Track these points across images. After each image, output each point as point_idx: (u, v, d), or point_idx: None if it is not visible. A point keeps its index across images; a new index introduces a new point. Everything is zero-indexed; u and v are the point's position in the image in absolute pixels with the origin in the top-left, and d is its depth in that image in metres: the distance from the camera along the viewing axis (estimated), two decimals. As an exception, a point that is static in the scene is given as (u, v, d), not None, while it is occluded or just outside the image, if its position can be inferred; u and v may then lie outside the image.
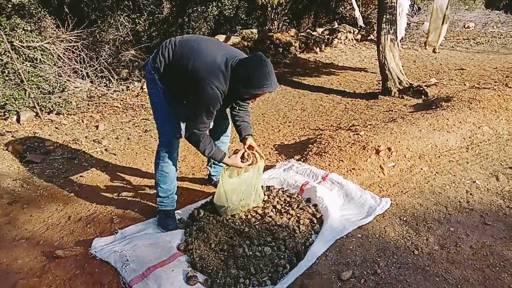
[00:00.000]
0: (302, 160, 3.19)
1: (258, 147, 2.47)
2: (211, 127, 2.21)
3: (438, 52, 8.75)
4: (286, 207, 2.50)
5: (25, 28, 4.61)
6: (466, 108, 3.79)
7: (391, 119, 4.04)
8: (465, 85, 5.79)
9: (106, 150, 3.97)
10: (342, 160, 3.00)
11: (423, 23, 11.36)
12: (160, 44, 2.25)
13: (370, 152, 3.04)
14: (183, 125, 2.24)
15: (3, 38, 4.20)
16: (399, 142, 3.18)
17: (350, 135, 3.39)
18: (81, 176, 3.40)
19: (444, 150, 3.21)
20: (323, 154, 3.16)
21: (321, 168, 2.95)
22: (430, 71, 7.34)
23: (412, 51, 9.52)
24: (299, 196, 2.60)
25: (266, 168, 3.21)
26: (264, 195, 2.61)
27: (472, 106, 3.83)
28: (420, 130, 3.36)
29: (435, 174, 2.90)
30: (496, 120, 3.63)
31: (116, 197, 2.98)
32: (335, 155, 3.09)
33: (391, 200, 2.59)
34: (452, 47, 10.10)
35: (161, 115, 2.33)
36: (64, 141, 4.14)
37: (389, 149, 3.07)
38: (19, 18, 4.55)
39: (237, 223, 2.30)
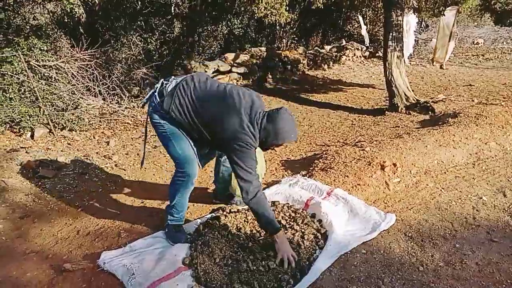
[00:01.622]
0: (308, 175, 3.22)
1: None
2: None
3: (447, 69, 8.78)
4: (291, 222, 2.52)
5: (42, 48, 4.79)
6: (473, 124, 3.79)
7: (397, 135, 4.05)
8: (473, 101, 5.79)
9: (116, 165, 4.06)
10: (347, 176, 3.02)
11: (431, 40, 11.43)
12: (172, 83, 2.24)
13: (375, 167, 3.05)
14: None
15: (20, 58, 4.37)
16: (404, 158, 3.19)
17: (355, 151, 3.41)
18: (91, 191, 3.47)
19: (450, 166, 3.21)
20: (328, 169, 3.18)
21: (327, 184, 2.97)
22: (438, 87, 7.36)
23: (420, 67, 9.56)
24: (304, 212, 2.62)
25: (272, 183, 3.24)
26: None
27: (479, 122, 3.82)
28: (426, 146, 3.37)
29: (441, 190, 2.90)
30: (503, 136, 3.62)
31: (124, 212, 3.03)
32: (340, 170, 3.11)
33: (396, 215, 2.59)
34: (461, 63, 10.11)
35: (180, 148, 2.28)
36: (75, 156, 4.23)
37: (394, 164, 3.08)
38: (36, 39, 4.73)
39: (241, 238, 2.33)
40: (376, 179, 2.96)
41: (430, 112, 4.92)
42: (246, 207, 2.78)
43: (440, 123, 4.17)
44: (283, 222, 2.52)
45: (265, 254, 2.20)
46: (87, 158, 4.20)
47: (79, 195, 3.40)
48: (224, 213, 2.67)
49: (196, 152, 2.35)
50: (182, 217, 2.55)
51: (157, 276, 2.04)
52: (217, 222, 2.51)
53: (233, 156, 2.11)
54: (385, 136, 4.18)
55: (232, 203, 2.87)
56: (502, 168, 3.15)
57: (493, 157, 3.33)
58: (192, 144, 2.32)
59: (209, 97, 2.16)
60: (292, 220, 2.54)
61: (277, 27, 9.24)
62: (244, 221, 2.54)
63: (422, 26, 12.18)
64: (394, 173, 3.02)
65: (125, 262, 2.16)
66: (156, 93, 2.25)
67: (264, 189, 3.12)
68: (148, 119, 2.34)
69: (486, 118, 3.85)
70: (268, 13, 4.42)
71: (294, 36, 9.93)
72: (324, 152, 3.64)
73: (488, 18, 14.39)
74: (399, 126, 4.57)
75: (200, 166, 2.41)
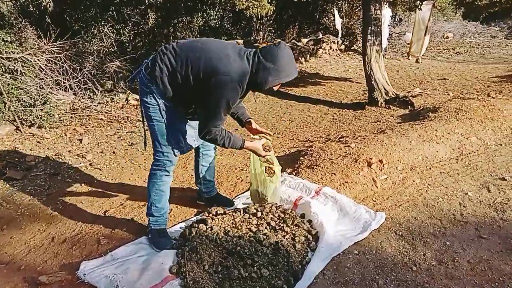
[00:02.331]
0: (294, 173, 3.15)
1: (266, 131, 2.47)
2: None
3: (421, 62, 8.93)
4: (280, 223, 2.44)
5: (5, 39, 4.46)
6: (454, 119, 3.83)
7: (380, 130, 4.05)
8: (448, 94, 5.90)
9: (90, 165, 3.84)
10: (334, 173, 2.97)
11: (405, 34, 11.62)
12: (151, 55, 2.17)
13: (362, 164, 3.02)
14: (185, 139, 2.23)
15: (-19, 50, 4.05)
16: (390, 154, 3.18)
17: (341, 147, 3.37)
18: (65, 193, 3.27)
19: (435, 161, 3.23)
20: (315, 167, 3.12)
21: (314, 182, 2.91)
22: (414, 81, 7.46)
23: (394, 61, 9.68)
24: (293, 212, 2.55)
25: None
26: (257, 211, 2.55)
27: (459, 116, 3.87)
28: (410, 142, 3.37)
29: (427, 186, 2.90)
30: (483, 130, 3.68)
31: (103, 215, 2.86)
32: (327, 168, 3.06)
33: (385, 214, 2.56)
34: (433, 57, 10.32)
35: (160, 132, 2.20)
36: (46, 156, 3.99)
37: (380, 161, 3.06)
38: (-2, 29, 4.40)
39: (231, 242, 2.22)
40: (364, 176, 2.93)
41: (409, 106, 4.96)
42: (233, 208, 2.69)
43: (421, 117, 4.20)
44: (273, 223, 2.43)
45: (256, 258, 2.11)
46: (59, 157, 3.96)
47: (52, 198, 3.19)
48: (210, 215, 2.55)
49: (182, 137, 2.26)
50: (165, 219, 2.43)
51: (142, 287, 1.91)
52: (204, 225, 2.39)
53: (209, 97, 1.98)
54: (368, 131, 4.17)
55: (218, 204, 2.76)
56: (484, 163, 3.20)
57: (475, 152, 3.38)
58: (179, 125, 2.23)
59: (191, 46, 2.09)
60: (282, 221, 2.46)
61: (254, 19, 9.10)
62: (232, 223, 2.43)
63: (396, 20, 12.35)
64: (381, 170, 2.99)
65: (107, 272, 2.02)
66: (142, 68, 2.17)
67: (249, 189, 3.02)
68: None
69: (466, 113, 3.91)
70: (249, 5, 4.29)
71: (271, 28, 9.82)
72: (309, 149, 3.57)
73: (457, 13, 14.81)
74: (380, 121, 4.58)
75: (175, 154, 2.28)
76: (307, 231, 2.38)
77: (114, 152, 4.15)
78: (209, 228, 2.36)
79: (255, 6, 4.35)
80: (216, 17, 8.33)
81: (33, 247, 2.49)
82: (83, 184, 3.43)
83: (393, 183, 2.95)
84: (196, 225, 2.42)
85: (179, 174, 3.50)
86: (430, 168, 3.13)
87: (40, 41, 4.79)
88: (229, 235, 2.31)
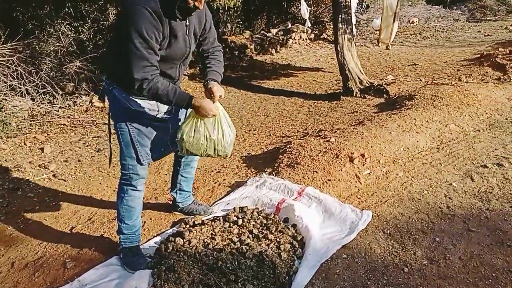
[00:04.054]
0: (274, 173, 2.99)
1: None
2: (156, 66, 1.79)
3: (390, 49, 8.95)
4: (263, 230, 2.29)
5: None
6: (431, 106, 3.79)
7: (358, 121, 3.96)
8: (421, 80, 5.90)
9: (54, 176, 3.55)
10: (316, 171, 2.84)
11: (373, 20, 11.64)
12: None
13: (344, 160, 2.90)
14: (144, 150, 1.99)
15: None
16: (371, 147, 3.08)
17: (320, 143, 3.24)
18: (26, 210, 2.98)
19: (416, 152, 3.16)
20: (295, 165, 2.98)
21: (295, 182, 2.77)
22: (385, 67, 7.46)
23: (364, 48, 9.67)
24: (276, 217, 2.40)
25: (236, 185, 2.98)
26: (238, 218, 2.38)
27: (436, 104, 3.83)
28: (390, 133, 3.29)
29: (411, 179, 2.82)
30: (460, 117, 3.65)
31: (69, 233, 2.61)
32: (308, 166, 2.93)
33: (371, 211, 2.46)
34: (401, 42, 10.39)
35: (124, 142, 1.99)
36: (4, 168, 3.66)
37: (362, 155, 2.96)
38: None
39: (211, 257, 2.05)
40: (346, 172, 2.82)
41: (384, 95, 4.90)
42: (212, 217, 2.51)
43: (397, 106, 4.14)
44: (255, 231, 2.28)
45: (239, 273, 1.95)
46: (18, 170, 3.64)
47: (11, 216, 2.90)
48: (187, 226, 2.37)
49: (151, 143, 2.04)
50: (137, 236, 2.22)
51: (116, 317, 1.72)
52: (181, 239, 2.21)
53: (126, 38, 1.69)
54: (346, 123, 4.06)
55: (195, 213, 2.57)
56: (465, 151, 3.15)
57: (454, 140, 3.33)
58: (145, 130, 2.01)
59: None
60: (265, 228, 2.31)
61: (221, 11, 8.81)
62: (212, 234, 2.26)
63: (363, 6, 12.34)
64: (364, 165, 2.89)
65: (74, 303, 1.81)
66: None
67: (229, 192, 2.85)
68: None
69: (442, 100, 3.87)
70: (216, -4, 4.05)
71: (239, 20, 9.57)
72: (287, 146, 3.43)
73: (422, -3, 15.02)
74: (357, 112, 4.49)
75: (143, 163, 2.03)
76: (292, 237, 2.24)
77: (79, 160, 3.86)
78: (187, 242, 2.18)
79: (222, -3, 4.12)
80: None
81: (-10, 276, 2.23)
82: (46, 199, 3.15)
83: (376, 178, 2.85)
84: (173, 239, 2.23)
85: (151, 181, 3.28)
86: (412, 160, 3.06)
87: (-12, 43, 4.39)
88: (209, 248, 2.13)
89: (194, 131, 1.92)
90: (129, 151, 2.01)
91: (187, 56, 1.98)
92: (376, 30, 10.95)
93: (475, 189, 2.65)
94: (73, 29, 5.43)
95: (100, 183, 3.39)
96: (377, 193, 2.69)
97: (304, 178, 2.81)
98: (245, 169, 3.34)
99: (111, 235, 2.51)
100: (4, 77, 4.32)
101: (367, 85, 5.16)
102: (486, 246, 2.13)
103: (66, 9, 5.41)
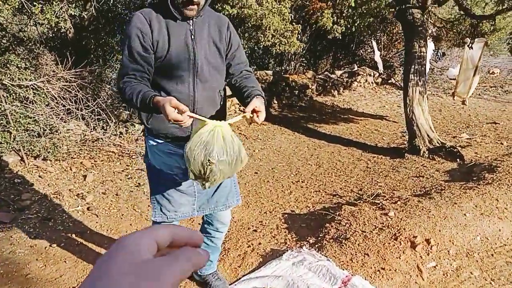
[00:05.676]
0: (316, 246, 2.56)
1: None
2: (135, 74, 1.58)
3: (467, 105, 8.16)
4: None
5: (19, 65, 4.23)
6: (518, 184, 3.14)
7: (424, 190, 3.41)
8: (502, 144, 5.16)
9: (88, 209, 3.43)
10: (367, 254, 2.37)
11: (448, 69, 10.86)
12: None
13: (404, 244, 2.40)
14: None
15: (-10, 76, 3.81)
16: (439, 231, 2.54)
17: (376, 215, 2.76)
18: (50, 245, 2.85)
19: (498, 245, 2.55)
20: (343, 241, 2.53)
21: (341, 264, 2.32)
22: (459, 123, 6.74)
23: (436, 98, 8.95)
24: (312, 312, 1.97)
25: (271, 254, 2.59)
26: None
27: (525, 181, 3.18)
28: (465, 215, 2.72)
29: (490, 283, 2.24)
30: (557, 202, 2.97)
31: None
32: (359, 244, 2.46)
33: (435, 324, 1.93)
34: (479, 94, 9.50)
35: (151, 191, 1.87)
36: (44, 194, 3.63)
37: (427, 241, 2.43)
38: (13, 55, 4.18)
39: None
40: (406, 261, 2.31)
41: (458, 160, 4.28)
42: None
43: (474, 178, 3.52)
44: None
45: None
46: (57, 197, 3.58)
47: (34, 252, 2.77)
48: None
49: (168, 202, 1.82)
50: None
51: None
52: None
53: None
54: (409, 189, 3.53)
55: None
56: None
57: (549, 234, 2.67)
58: (162, 188, 1.81)
59: None
60: (296, 325, 1.89)
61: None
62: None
63: (439, 54, 11.63)
64: (428, 254, 2.36)
65: None
66: None
67: (260, 264, 2.47)
68: None
69: (533, 177, 3.21)
70: (276, 41, 3.83)
71: (303, 59, 9.39)
72: (337, 212, 2.99)
73: (506, 48, 13.88)
74: (423, 176, 3.92)
75: (156, 219, 1.84)
76: None
77: (117, 194, 3.73)
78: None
79: (283, 43, 3.90)
80: (246, 46, 8.00)
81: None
82: (73, 235, 3.01)
83: (444, 274, 2.30)
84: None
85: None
86: (492, 255, 2.46)
87: (57, 67, 4.55)
88: None
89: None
90: (154, 201, 1.88)
91: (195, 65, 1.63)
92: (451, 79, 10.18)
93: None
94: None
95: (131, 224, 3.20)
96: (444, 297, 2.15)
97: (352, 261, 2.35)
98: (285, 232, 2.94)
99: None
100: (63, 101, 4.41)
101: (438, 145, 4.57)
102: None
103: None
